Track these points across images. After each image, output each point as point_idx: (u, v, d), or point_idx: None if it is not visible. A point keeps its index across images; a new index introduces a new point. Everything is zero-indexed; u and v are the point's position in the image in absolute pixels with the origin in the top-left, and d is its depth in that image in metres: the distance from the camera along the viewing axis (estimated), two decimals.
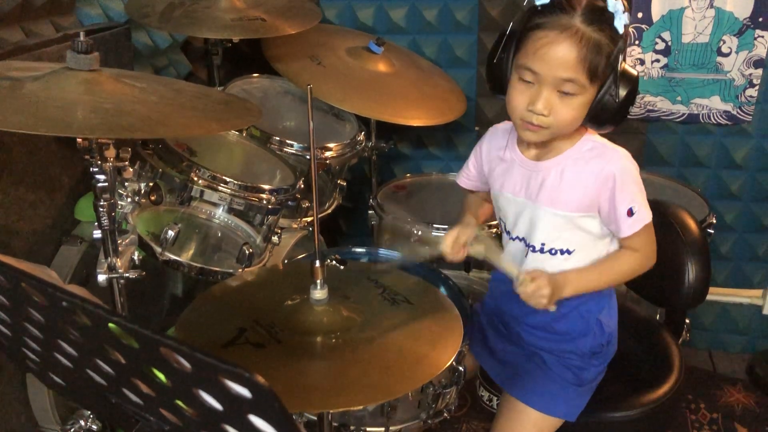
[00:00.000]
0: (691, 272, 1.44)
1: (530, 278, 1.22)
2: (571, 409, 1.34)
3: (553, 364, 1.35)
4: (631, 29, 2.06)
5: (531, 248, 1.32)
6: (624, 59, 1.17)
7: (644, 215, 1.23)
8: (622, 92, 1.16)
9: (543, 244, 1.30)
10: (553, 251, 1.30)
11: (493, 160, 1.39)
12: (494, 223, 1.77)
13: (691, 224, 1.48)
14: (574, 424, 1.34)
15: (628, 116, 1.23)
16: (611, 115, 1.18)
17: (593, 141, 1.25)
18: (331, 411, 1.20)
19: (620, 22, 1.13)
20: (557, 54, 1.14)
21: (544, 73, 1.16)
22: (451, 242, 1.34)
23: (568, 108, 1.17)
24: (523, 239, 1.34)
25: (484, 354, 1.47)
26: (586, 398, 1.36)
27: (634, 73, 1.18)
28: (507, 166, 1.34)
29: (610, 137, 1.29)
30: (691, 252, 1.44)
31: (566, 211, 1.26)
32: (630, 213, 1.21)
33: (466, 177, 1.48)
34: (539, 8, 1.16)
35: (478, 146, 1.44)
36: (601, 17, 1.13)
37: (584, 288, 1.29)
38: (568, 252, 1.29)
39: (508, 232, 1.37)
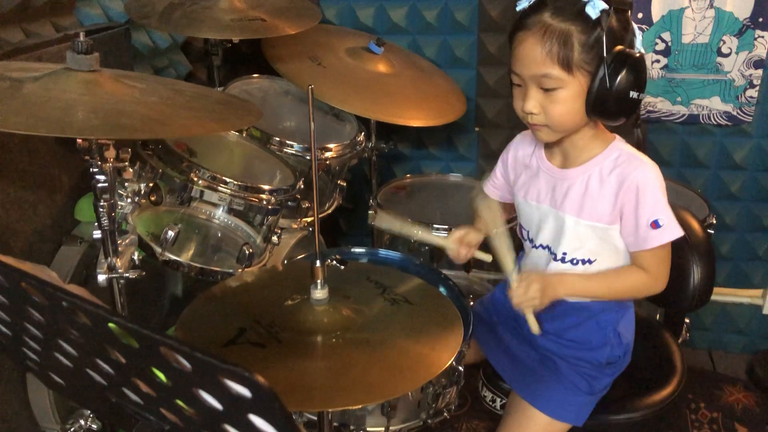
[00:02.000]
0: (696, 274, 1.43)
1: (520, 279, 1.24)
2: (580, 416, 1.33)
3: (567, 371, 1.34)
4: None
5: (554, 257, 1.31)
6: (617, 44, 1.14)
7: (673, 230, 1.21)
8: (617, 77, 1.13)
9: (565, 254, 1.30)
10: (575, 261, 1.30)
11: (519, 167, 1.39)
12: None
13: (696, 227, 1.48)
14: (579, 427, 1.34)
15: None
16: (614, 103, 1.15)
17: (620, 149, 1.24)
18: (330, 410, 1.20)
19: (593, 9, 1.11)
20: (525, 52, 1.16)
21: (522, 73, 1.18)
22: (458, 239, 1.35)
23: (555, 103, 1.17)
24: (547, 247, 1.33)
25: (496, 351, 1.46)
26: (594, 404, 1.35)
27: (634, 54, 1.14)
28: (532, 173, 1.34)
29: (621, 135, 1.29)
30: (696, 254, 1.43)
31: (591, 220, 1.25)
32: (656, 225, 1.19)
33: (493, 186, 1.48)
34: (520, 14, 1.19)
35: (504, 153, 1.44)
36: (569, 8, 1.13)
37: (581, 293, 1.29)
38: (590, 262, 1.29)
39: (531, 240, 1.37)
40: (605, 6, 1.12)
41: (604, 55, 1.13)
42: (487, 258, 1.40)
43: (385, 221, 1.41)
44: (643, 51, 1.19)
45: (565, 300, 1.32)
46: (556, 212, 1.29)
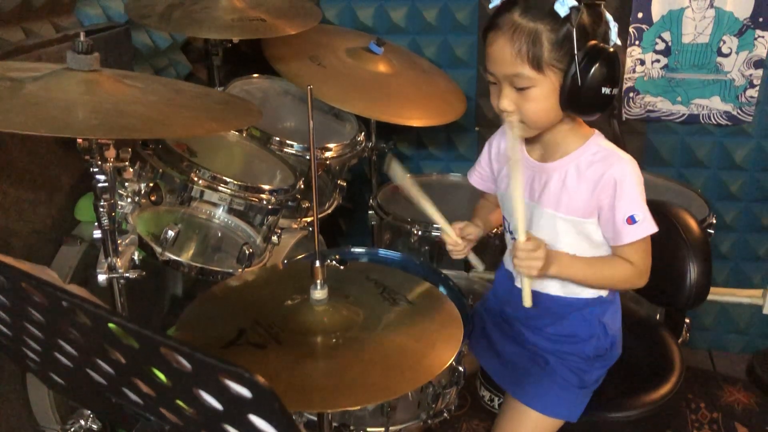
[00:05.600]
0: (692, 272, 1.44)
1: (529, 237, 1.21)
2: (573, 411, 1.33)
3: (556, 366, 1.35)
4: (631, 29, 2.07)
5: None
6: (590, 39, 1.13)
7: (648, 225, 1.21)
8: (588, 74, 1.12)
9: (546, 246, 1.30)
10: None
11: (501, 159, 1.39)
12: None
13: (693, 225, 1.48)
14: (575, 424, 1.34)
15: (619, 106, 1.19)
16: (587, 99, 1.15)
17: (598, 145, 1.24)
18: (330, 411, 1.20)
19: (562, 6, 1.10)
20: (496, 52, 1.17)
21: (495, 72, 1.19)
22: (457, 229, 1.34)
23: (528, 101, 1.17)
24: None
25: (487, 355, 1.46)
26: (587, 399, 1.35)
27: (607, 49, 1.13)
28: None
29: (597, 126, 1.29)
30: (692, 252, 1.44)
31: (567, 214, 1.25)
32: (631, 221, 1.20)
33: (479, 176, 1.48)
34: (492, 12, 1.19)
35: (488, 144, 1.44)
36: (538, 5, 1.13)
37: (570, 273, 1.27)
38: None
39: (511, 232, 1.37)
40: (575, 3, 1.11)
41: (575, 52, 1.12)
42: (479, 265, 1.39)
43: (399, 175, 1.31)
44: (618, 43, 1.18)
45: (549, 294, 1.32)
46: (534, 205, 1.29)
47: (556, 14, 1.11)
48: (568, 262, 1.27)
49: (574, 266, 1.27)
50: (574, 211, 1.25)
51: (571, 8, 1.11)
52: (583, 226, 1.26)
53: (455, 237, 1.35)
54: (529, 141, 1.32)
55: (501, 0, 1.17)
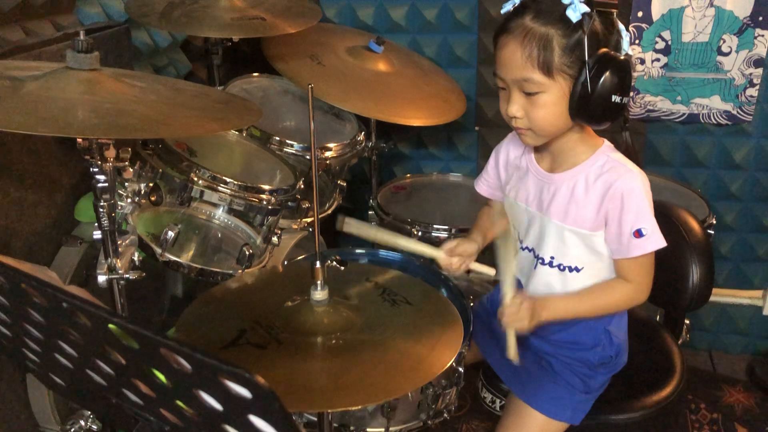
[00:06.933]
0: (695, 274, 1.43)
1: (514, 297, 1.22)
2: (577, 414, 1.33)
3: (561, 370, 1.35)
4: (631, 28, 2.06)
5: (540, 260, 1.31)
6: (601, 46, 1.12)
7: (657, 240, 1.19)
8: (599, 81, 1.11)
9: (552, 258, 1.29)
10: (562, 267, 1.29)
11: (510, 168, 1.38)
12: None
13: (695, 226, 1.48)
14: (577, 426, 1.34)
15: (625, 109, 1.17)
16: (597, 107, 1.13)
17: (607, 156, 1.23)
18: (330, 411, 1.20)
19: (574, 12, 1.10)
20: (506, 56, 1.16)
21: (505, 76, 1.18)
22: (449, 249, 1.33)
23: (537, 107, 1.16)
24: (531, 250, 1.33)
25: (493, 353, 1.46)
26: (591, 403, 1.35)
27: (618, 57, 1.12)
28: (522, 174, 1.34)
29: (609, 137, 1.29)
30: (695, 254, 1.44)
31: (575, 226, 1.24)
32: (639, 234, 1.18)
33: (486, 183, 1.47)
34: (504, 17, 1.18)
35: (495, 152, 1.43)
36: (550, 10, 1.12)
37: (564, 315, 1.28)
38: (577, 270, 1.28)
39: (521, 241, 1.37)
40: (587, 9, 1.10)
41: (586, 58, 1.11)
42: (489, 272, 1.35)
43: (355, 227, 1.33)
44: (630, 52, 1.17)
45: None
46: (542, 216, 1.29)
47: (568, 20, 1.10)
48: (559, 304, 1.27)
49: (566, 306, 1.28)
50: (582, 224, 1.24)
51: (584, 14, 1.10)
52: (591, 240, 1.25)
53: (447, 259, 1.36)
54: (537, 150, 1.31)
55: (513, 5, 1.17)
